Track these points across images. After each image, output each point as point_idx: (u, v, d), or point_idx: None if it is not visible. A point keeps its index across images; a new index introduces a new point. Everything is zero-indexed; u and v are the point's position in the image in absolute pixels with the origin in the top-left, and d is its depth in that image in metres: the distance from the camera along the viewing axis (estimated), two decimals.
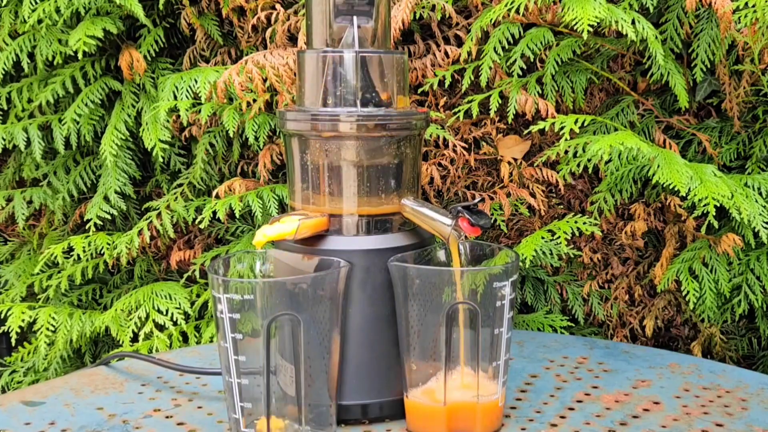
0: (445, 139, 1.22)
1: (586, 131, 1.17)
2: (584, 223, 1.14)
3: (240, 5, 1.27)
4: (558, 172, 1.19)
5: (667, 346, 1.29)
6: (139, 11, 1.25)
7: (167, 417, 0.85)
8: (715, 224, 1.05)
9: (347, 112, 0.81)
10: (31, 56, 1.35)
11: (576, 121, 1.08)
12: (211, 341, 1.29)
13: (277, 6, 1.25)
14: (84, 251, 1.33)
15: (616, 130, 1.13)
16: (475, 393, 0.78)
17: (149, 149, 1.29)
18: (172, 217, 1.33)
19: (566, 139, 1.08)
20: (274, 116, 1.26)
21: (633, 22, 1.06)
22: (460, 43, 1.24)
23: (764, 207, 1.06)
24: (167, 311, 1.30)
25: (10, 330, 1.33)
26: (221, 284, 0.73)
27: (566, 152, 1.15)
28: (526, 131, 1.19)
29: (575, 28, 1.04)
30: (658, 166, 1.04)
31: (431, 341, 0.79)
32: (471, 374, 0.79)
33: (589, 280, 1.27)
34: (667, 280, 1.15)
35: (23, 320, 1.33)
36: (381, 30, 0.84)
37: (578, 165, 1.15)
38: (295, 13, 1.25)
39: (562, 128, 1.08)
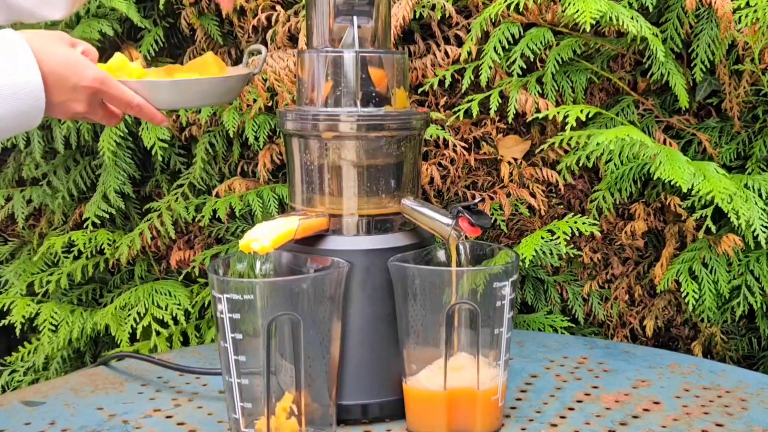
0: (445, 139, 1.22)
1: (593, 123, 1.17)
2: (584, 223, 1.14)
3: (240, 5, 1.27)
4: (558, 173, 1.19)
5: (667, 346, 1.29)
6: (135, 17, 1.25)
7: (167, 417, 0.85)
8: (713, 228, 1.05)
9: (347, 112, 0.81)
10: None
11: (582, 111, 1.07)
12: (212, 341, 1.29)
13: (278, 7, 1.25)
14: (85, 247, 1.33)
15: (622, 124, 1.13)
16: (474, 378, 0.78)
17: (148, 148, 1.29)
18: (172, 217, 1.33)
19: (573, 127, 1.07)
20: (274, 116, 1.26)
21: (633, 20, 1.06)
22: (460, 42, 1.24)
23: (763, 210, 1.06)
24: (167, 307, 1.30)
25: (13, 323, 1.33)
26: (221, 284, 0.73)
27: (568, 146, 1.14)
28: (529, 121, 1.19)
29: (577, 22, 1.03)
30: (660, 162, 1.03)
31: (431, 341, 0.79)
32: (471, 360, 0.79)
33: (589, 280, 1.27)
34: (667, 280, 1.15)
35: (24, 316, 1.33)
36: (381, 30, 0.84)
37: (578, 161, 1.15)
38: (296, 13, 1.25)
39: (565, 122, 1.07)
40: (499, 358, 0.79)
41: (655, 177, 1.03)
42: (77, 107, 0.78)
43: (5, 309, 1.36)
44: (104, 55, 1.36)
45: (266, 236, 0.78)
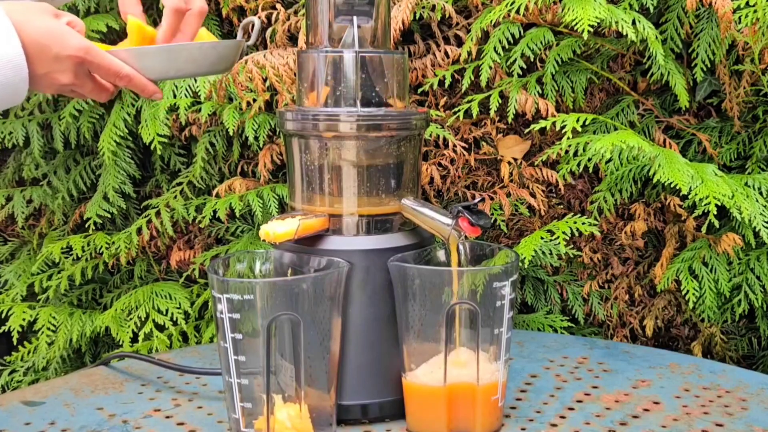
0: (445, 139, 1.22)
1: (586, 130, 1.17)
2: (583, 223, 1.14)
3: (240, 5, 1.27)
4: (558, 172, 1.19)
5: (667, 346, 1.29)
6: None
7: (167, 417, 0.85)
8: (716, 223, 1.05)
9: (347, 112, 0.81)
10: None
11: (578, 120, 1.08)
12: (211, 341, 1.29)
13: (278, 6, 1.25)
14: (83, 251, 1.33)
15: (616, 129, 1.13)
16: (474, 375, 0.78)
17: (148, 144, 1.29)
18: (171, 215, 1.33)
19: (568, 138, 1.08)
20: (274, 116, 1.26)
21: (633, 23, 1.06)
22: (460, 43, 1.24)
23: (765, 207, 1.06)
24: (167, 311, 1.30)
25: (11, 330, 1.33)
26: (221, 284, 0.73)
27: (566, 152, 1.15)
28: (526, 131, 1.19)
29: (575, 28, 1.04)
30: (660, 165, 1.04)
31: (431, 339, 0.79)
32: (471, 356, 0.78)
33: (589, 280, 1.27)
34: (667, 280, 1.15)
35: (24, 320, 1.33)
36: (381, 30, 0.84)
37: (578, 165, 1.15)
38: (296, 13, 1.25)
39: (563, 127, 1.08)
40: (499, 357, 0.79)
41: (655, 180, 1.03)
42: (63, 78, 0.76)
43: (3, 316, 1.36)
44: None
45: (291, 223, 0.78)
